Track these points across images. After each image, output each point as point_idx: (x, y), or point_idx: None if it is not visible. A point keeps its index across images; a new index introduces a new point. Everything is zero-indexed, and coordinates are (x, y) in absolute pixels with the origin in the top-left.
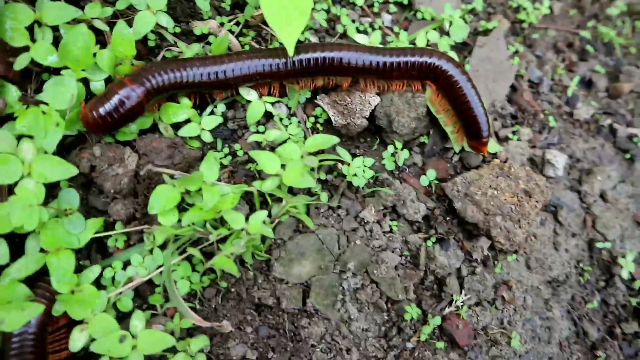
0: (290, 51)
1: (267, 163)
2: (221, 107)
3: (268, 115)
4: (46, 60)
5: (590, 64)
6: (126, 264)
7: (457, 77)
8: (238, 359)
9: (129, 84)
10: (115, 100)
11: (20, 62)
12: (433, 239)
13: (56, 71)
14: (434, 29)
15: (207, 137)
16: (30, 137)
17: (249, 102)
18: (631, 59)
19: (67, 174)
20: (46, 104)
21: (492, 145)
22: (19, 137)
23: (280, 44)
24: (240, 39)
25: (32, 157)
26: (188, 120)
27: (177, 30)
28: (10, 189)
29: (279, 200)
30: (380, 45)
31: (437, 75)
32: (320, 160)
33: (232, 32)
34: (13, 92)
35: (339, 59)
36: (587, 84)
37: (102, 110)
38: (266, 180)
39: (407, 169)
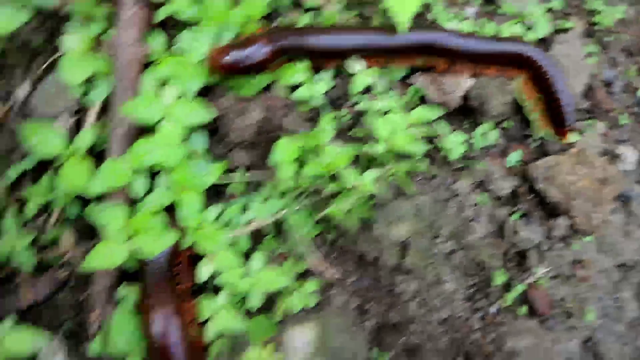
0: (403, 27)
1: (381, 128)
2: (328, 75)
3: (368, 88)
4: (184, 15)
5: None
6: (244, 209)
7: (550, 69)
8: (340, 306)
9: (260, 41)
10: (245, 51)
11: (160, 14)
12: (517, 215)
13: (189, 25)
14: (517, 23)
15: (317, 101)
16: (171, 82)
17: (353, 73)
18: None
19: (203, 118)
20: (183, 54)
21: (571, 136)
22: (162, 83)
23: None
24: (345, 15)
25: (173, 100)
26: (300, 84)
27: (290, 1)
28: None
29: (381, 165)
30: (479, 33)
31: (530, 66)
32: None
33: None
34: (158, 40)
35: (443, 42)
36: None
37: (231, 56)
38: (377, 144)
39: (493, 150)
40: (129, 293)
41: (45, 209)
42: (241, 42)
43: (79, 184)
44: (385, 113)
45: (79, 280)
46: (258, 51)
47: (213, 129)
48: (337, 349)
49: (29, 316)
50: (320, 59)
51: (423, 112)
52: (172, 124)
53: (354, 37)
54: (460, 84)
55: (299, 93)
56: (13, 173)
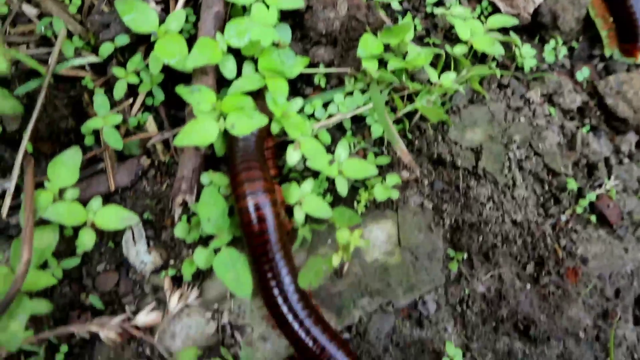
0: None
1: (462, 29)
2: None
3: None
4: None
5: None
6: (325, 105)
7: None
8: (416, 206)
9: None
10: None
11: None
12: (587, 128)
13: None
14: None
15: (396, 5)
16: None
17: None
18: None
19: (295, 3)
20: None
21: None
22: None
23: None
24: None
25: None
26: None
27: None
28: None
29: (457, 70)
30: None
31: None
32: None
33: None
34: None
35: None
36: None
37: None
38: (457, 45)
39: (559, 68)
40: (213, 179)
41: (131, 94)
42: None
43: (176, 58)
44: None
45: (160, 170)
46: None
47: (294, 26)
48: (415, 245)
49: (111, 201)
50: None
51: (500, 19)
52: (265, 6)
53: None
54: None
55: None
56: (105, 50)
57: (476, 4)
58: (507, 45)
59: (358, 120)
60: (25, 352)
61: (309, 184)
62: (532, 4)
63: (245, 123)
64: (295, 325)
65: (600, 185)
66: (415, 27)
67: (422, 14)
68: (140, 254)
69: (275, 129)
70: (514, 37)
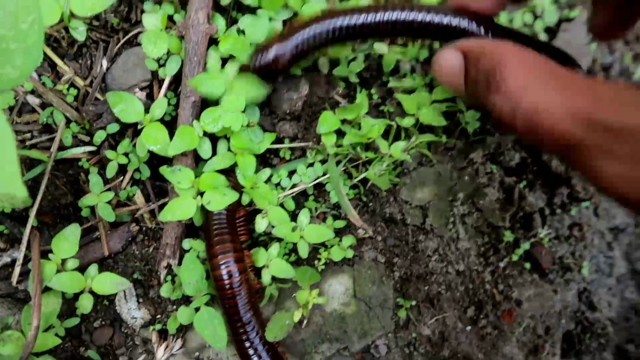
0: None
1: (408, 105)
2: (361, 57)
3: (396, 68)
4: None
5: None
6: (290, 174)
7: None
8: (370, 260)
9: (274, 44)
10: (266, 57)
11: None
12: (524, 183)
13: (247, 10)
14: (526, 13)
15: (353, 79)
16: (232, 57)
17: (381, 55)
18: None
19: (260, 92)
20: (244, 34)
21: None
22: (225, 58)
23: None
24: None
25: (234, 76)
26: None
27: None
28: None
29: (408, 137)
30: None
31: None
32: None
33: None
34: (220, 21)
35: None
36: None
37: (258, 61)
38: (405, 118)
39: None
40: (193, 245)
41: (120, 171)
42: (262, 46)
43: (159, 145)
44: (412, 91)
45: (147, 235)
46: (280, 54)
47: (262, 105)
48: (368, 296)
49: (105, 266)
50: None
51: (444, 90)
52: (234, 96)
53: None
54: None
55: (338, 71)
56: (98, 137)
57: (429, 69)
58: (453, 114)
59: (320, 186)
60: None
61: (275, 248)
62: None
63: (219, 200)
64: None
65: (534, 235)
66: (372, 96)
67: (379, 82)
68: (131, 311)
69: (245, 199)
70: (459, 104)
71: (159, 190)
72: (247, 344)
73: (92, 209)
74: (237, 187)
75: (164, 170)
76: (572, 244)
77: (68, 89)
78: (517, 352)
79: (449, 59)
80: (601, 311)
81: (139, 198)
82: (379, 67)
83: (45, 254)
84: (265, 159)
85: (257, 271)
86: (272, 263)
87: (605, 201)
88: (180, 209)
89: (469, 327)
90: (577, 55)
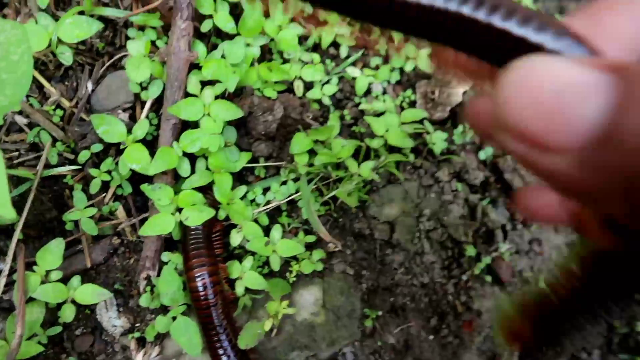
0: None
1: (377, 126)
2: (335, 80)
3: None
4: (225, 27)
5: None
6: (264, 191)
7: None
8: (339, 272)
9: None
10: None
11: (205, 26)
12: (487, 200)
13: (224, 36)
14: None
15: (326, 101)
16: (209, 83)
17: (354, 77)
18: None
19: (236, 114)
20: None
21: None
22: (202, 84)
23: None
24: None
25: (211, 100)
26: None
27: None
28: (191, 124)
29: (377, 156)
30: None
31: None
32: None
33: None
34: (201, 48)
35: None
36: None
37: None
38: (374, 139)
39: (468, 147)
40: (171, 258)
41: (103, 187)
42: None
43: (140, 165)
44: (382, 113)
45: (129, 248)
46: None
47: (239, 125)
48: (337, 306)
49: (87, 277)
50: None
51: (413, 113)
52: (212, 119)
53: None
54: (453, 97)
55: (311, 94)
56: (83, 157)
57: (400, 91)
58: (420, 135)
59: (293, 202)
60: None
61: (248, 261)
62: (449, 106)
63: (197, 216)
64: None
65: (496, 250)
66: (344, 116)
67: (352, 103)
68: (112, 319)
69: (222, 214)
70: (427, 126)
71: (141, 204)
72: (221, 351)
73: (76, 222)
74: (214, 203)
75: (145, 188)
76: (532, 258)
77: (54, 110)
78: (477, 359)
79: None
80: None
81: (120, 213)
82: (352, 88)
83: (30, 266)
84: (241, 177)
85: (232, 282)
86: (245, 275)
87: None
88: (159, 224)
89: (431, 336)
90: None
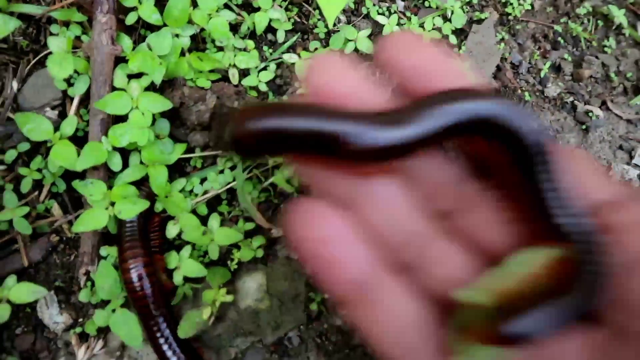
0: (330, 23)
1: None
2: (272, 67)
3: None
4: (150, 19)
5: (560, 52)
6: (202, 181)
7: None
8: (283, 257)
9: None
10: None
11: (130, 19)
12: None
13: (153, 27)
14: (439, 15)
15: (263, 87)
16: (138, 76)
17: (293, 63)
18: (593, 51)
19: (165, 106)
20: (149, 51)
21: None
22: (129, 77)
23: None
24: (287, 13)
25: (138, 93)
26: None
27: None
28: (122, 119)
29: None
30: None
31: None
32: None
33: (280, 6)
34: (126, 41)
35: None
36: (556, 68)
37: None
38: None
39: None
40: (110, 252)
41: (37, 185)
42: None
43: (67, 162)
44: None
45: (68, 244)
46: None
47: (174, 116)
48: (281, 292)
49: (26, 275)
50: None
51: None
52: (140, 112)
53: None
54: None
55: (247, 81)
56: (9, 156)
57: None
58: None
59: (233, 191)
60: None
61: (186, 251)
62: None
63: (130, 209)
64: None
65: None
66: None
67: (293, 88)
68: (53, 316)
69: (158, 207)
70: None
71: (77, 201)
72: (162, 341)
73: (10, 223)
74: (150, 196)
75: (76, 184)
76: None
77: None
78: None
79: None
80: None
81: (56, 210)
82: (292, 74)
83: None
84: (179, 167)
85: (171, 273)
86: (183, 264)
87: None
88: (93, 219)
89: None
90: (486, 55)
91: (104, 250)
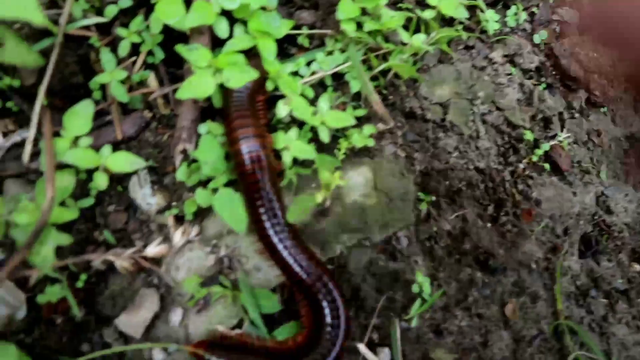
0: None
1: None
2: None
3: None
4: None
5: None
6: (309, 63)
7: None
8: (390, 154)
9: None
10: None
11: None
12: (544, 85)
13: None
14: None
15: None
16: None
17: None
18: None
19: None
20: None
21: None
22: None
23: None
24: None
25: None
26: None
27: None
28: None
29: (428, 34)
30: None
31: None
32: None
33: None
34: None
35: None
36: None
37: None
38: (426, 10)
39: (520, 32)
40: (211, 128)
41: (134, 52)
42: None
43: (174, 18)
44: None
45: (161, 122)
46: None
47: None
48: (389, 189)
49: (119, 149)
50: None
51: None
52: None
53: None
54: None
55: None
56: (109, 12)
57: None
58: (473, 11)
59: (338, 77)
60: (51, 279)
61: (294, 132)
62: None
63: (239, 77)
64: (285, 254)
65: (553, 137)
66: None
67: None
68: (146, 197)
69: (270, 86)
70: (479, 2)
71: (173, 76)
72: (268, 225)
73: (104, 92)
74: (259, 68)
75: (180, 48)
76: (590, 149)
77: None
78: (537, 249)
79: None
80: (617, 215)
81: (152, 82)
82: None
83: (57, 136)
84: (283, 49)
85: (277, 154)
86: (292, 144)
87: (623, 109)
88: (198, 86)
89: (489, 225)
90: None
91: (203, 127)
